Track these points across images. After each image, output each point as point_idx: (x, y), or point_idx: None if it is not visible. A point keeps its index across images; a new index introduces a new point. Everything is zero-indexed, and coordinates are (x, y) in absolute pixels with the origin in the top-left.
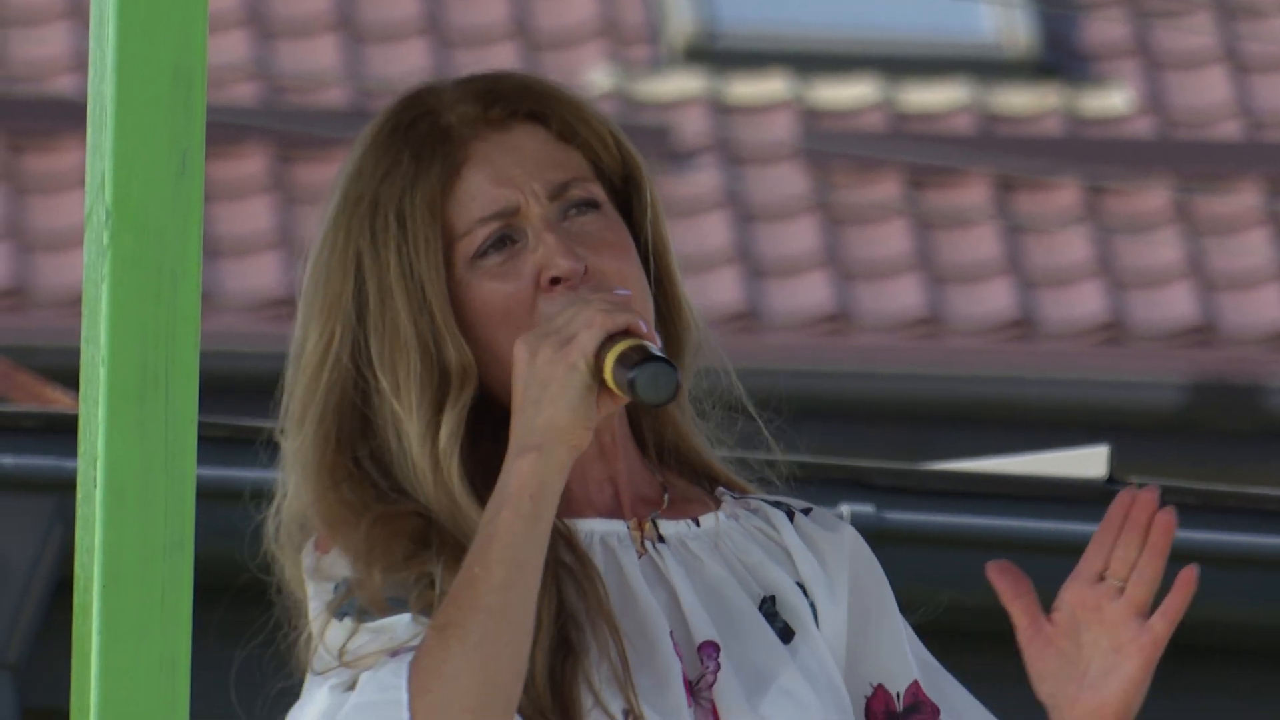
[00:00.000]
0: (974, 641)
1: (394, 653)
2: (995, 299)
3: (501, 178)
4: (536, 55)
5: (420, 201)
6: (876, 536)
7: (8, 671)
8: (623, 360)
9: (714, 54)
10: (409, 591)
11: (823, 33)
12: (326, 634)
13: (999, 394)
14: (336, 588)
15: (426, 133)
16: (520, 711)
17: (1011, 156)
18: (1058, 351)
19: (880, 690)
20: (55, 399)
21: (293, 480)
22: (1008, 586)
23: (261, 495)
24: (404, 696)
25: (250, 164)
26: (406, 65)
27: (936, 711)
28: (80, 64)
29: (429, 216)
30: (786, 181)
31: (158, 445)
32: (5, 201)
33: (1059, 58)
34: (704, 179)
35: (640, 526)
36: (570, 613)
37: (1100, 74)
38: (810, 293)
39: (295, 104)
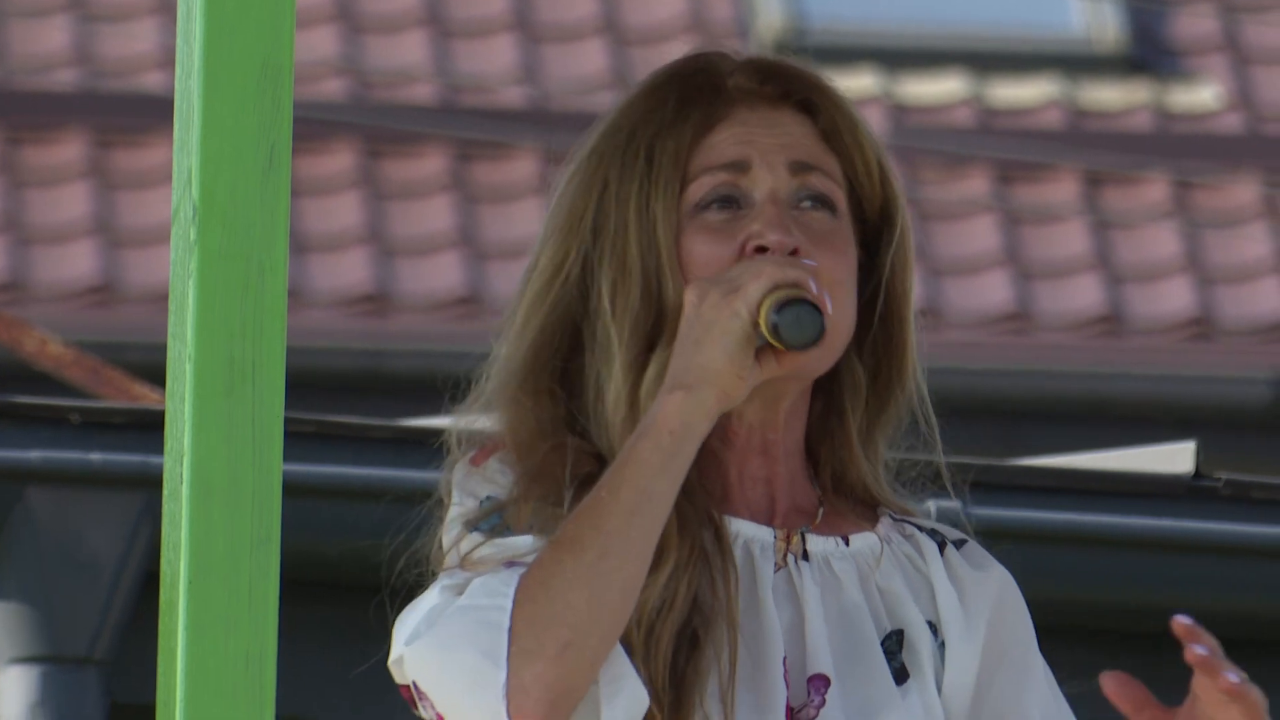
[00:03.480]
0: (1059, 636)
1: (509, 563)
2: (1084, 295)
3: (746, 137)
4: (625, 50)
5: (670, 144)
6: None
7: (96, 667)
8: (775, 306)
9: (802, 50)
10: (553, 526)
11: (911, 28)
12: (460, 543)
13: (1087, 390)
14: (481, 503)
15: (700, 84)
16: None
17: (1100, 152)
18: (1146, 347)
19: None
20: (143, 395)
21: (493, 385)
22: (1127, 701)
23: (346, 492)
24: (508, 604)
25: (338, 160)
26: (495, 61)
27: None
28: (169, 60)
29: (674, 160)
30: None
31: (245, 440)
32: (94, 198)
33: (1148, 53)
34: None
35: (787, 538)
36: (699, 606)
37: (1189, 69)
38: None
39: (384, 99)
